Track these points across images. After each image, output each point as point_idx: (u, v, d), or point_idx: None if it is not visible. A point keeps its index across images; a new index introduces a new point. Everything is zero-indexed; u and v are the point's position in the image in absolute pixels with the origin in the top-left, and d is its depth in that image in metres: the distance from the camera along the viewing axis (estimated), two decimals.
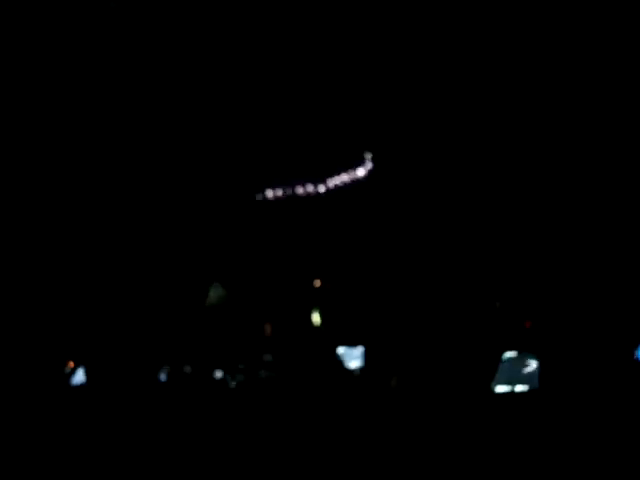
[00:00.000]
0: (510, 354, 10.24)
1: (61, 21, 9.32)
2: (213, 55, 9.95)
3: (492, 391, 10.18)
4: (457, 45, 9.71)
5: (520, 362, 10.17)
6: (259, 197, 10.71)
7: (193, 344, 10.58)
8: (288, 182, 10.80)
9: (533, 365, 10.06)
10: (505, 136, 9.91)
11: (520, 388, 10.08)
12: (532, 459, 8.62)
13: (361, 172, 10.51)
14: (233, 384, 10.29)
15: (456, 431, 9.61)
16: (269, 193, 10.80)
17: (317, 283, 10.84)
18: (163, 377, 10.34)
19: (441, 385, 10.43)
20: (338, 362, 10.48)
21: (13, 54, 9.30)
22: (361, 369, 10.64)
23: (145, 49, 9.71)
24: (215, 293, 10.78)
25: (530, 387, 10.00)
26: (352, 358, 10.62)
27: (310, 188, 10.94)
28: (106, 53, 9.71)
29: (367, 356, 10.72)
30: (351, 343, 10.73)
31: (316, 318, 10.71)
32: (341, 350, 10.66)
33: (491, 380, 10.30)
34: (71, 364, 10.18)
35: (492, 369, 10.30)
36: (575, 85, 9.04)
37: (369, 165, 10.66)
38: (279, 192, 10.79)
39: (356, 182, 10.56)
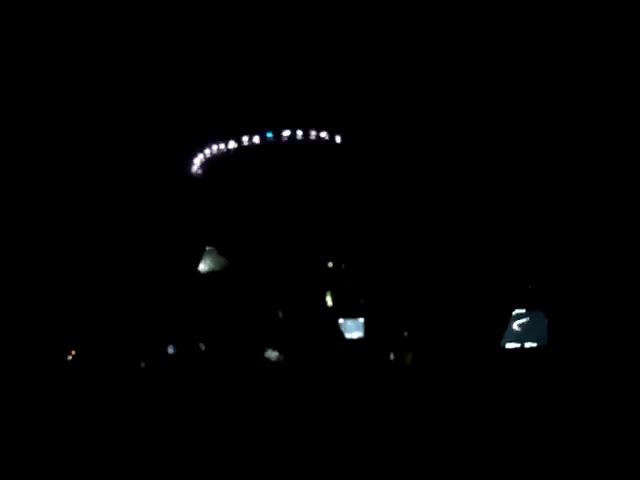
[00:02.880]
0: (519, 311, 10.46)
1: (61, 21, 8.54)
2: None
3: (502, 347, 10.51)
4: (457, 45, 9.09)
5: (530, 319, 10.45)
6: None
7: (200, 319, 10.37)
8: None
9: (543, 322, 10.36)
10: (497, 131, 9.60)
11: (529, 345, 10.44)
12: (540, 412, 9.14)
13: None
14: (242, 361, 10.22)
15: (466, 385, 9.98)
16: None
17: (330, 264, 10.80)
18: (171, 351, 10.17)
19: (452, 342, 10.66)
20: (340, 333, 10.62)
21: (13, 54, 8.56)
22: (362, 339, 10.87)
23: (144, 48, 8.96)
24: (212, 259, 10.47)
25: (539, 344, 10.37)
26: (353, 329, 10.78)
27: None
28: (106, 53, 8.97)
29: (367, 327, 10.90)
30: (352, 315, 10.90)
31: (329, 298, 10.72)
32: (341, 321, 10.78)
33: (501, 337, 10.59)
34: (73, 352, 9.94)
35: (502, 326, 10.55)
36: (575, 86, 8.74)
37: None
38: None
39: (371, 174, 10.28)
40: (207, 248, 10.60)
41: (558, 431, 8.21)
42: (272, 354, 10.29)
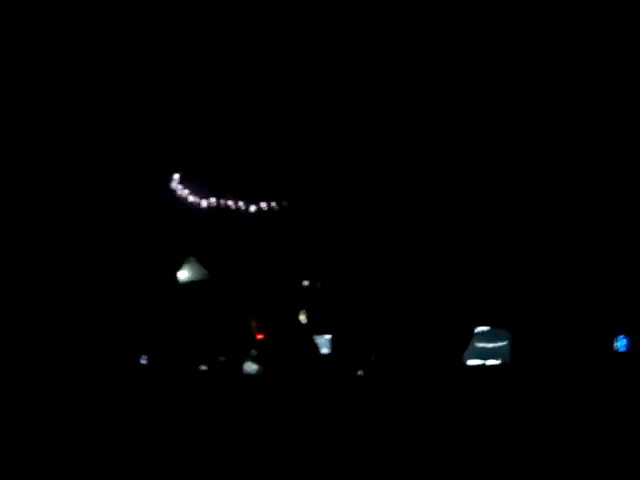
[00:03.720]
0: (482, 329, 10.52)
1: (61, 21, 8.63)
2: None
3: (464, 364, 10.29)
4: (457, 49, 10.13)
5: (492, 337, 10.51)
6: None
7: (175, 332, 9.59)
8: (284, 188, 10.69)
9: (505, 340, 10.48)
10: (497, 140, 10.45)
11: (492, 362, 10.36)
12: (502, 429, 9.13)
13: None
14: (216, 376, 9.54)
15: (430, 401, 9.68)
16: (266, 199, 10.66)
17: (305, 283, 10.61)
18: (144, 362, 9.26)
19: (415, 358, 10.26)
20: (315, 349, 10.23)
21: (13, 54, 8.41)
22: (329, 355, 10.61)
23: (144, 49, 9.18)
24: (192, 268, 9.93)
25: (502, 362, 10.35)
26: (321, 345, 10.51)
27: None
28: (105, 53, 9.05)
29: (335, 343, 10.65)
30: (320, 332, 10.71)
31: (303, 316, 10.41)
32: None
33: (463, 353, 10.43)
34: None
35: (464, 343, 10.46)
36: (575, 87, 9.90)
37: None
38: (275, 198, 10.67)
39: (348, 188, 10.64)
40: (187, 257, 10.22)
41: (521, 449, 8.33)
42: (251, 367, 9.51)
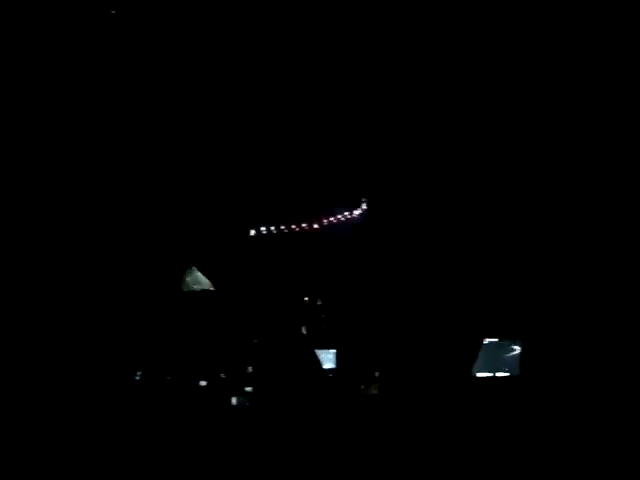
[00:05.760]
0: (491, 340, 10.37)
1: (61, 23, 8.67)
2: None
3: (473, 376, 10.14)
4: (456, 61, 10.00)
5: (502, 349, 10.34)
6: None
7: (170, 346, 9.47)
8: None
9: (515, 351, 10.31)
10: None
11: (501, 374, 10.20)
12: (513, 443, 8.96)
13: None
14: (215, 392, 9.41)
15: (439, 415, 9.54)
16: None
17: (306, 299, 10.58)
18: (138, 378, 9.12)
19: (422, 372, 10.12)
20: (317, 364, 10.06)
21: (13, 55, 8.48)
22: (334, 370, 10.52)
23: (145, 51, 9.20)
24: (193, 279, 9.85)
25: (511, 373, 10.19)
26: (325, 361, 10.40)
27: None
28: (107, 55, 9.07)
29: (339, 358, 10.55)
30: (324, 346, 10.62)
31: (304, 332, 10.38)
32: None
33: (472, 365, 10.28)
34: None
35: (473, 355, 10.30)
36: (575, 86, 9.76)
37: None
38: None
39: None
40: (190, 266, 10.15)
41: (531, 462, 8.18)
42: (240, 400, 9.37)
